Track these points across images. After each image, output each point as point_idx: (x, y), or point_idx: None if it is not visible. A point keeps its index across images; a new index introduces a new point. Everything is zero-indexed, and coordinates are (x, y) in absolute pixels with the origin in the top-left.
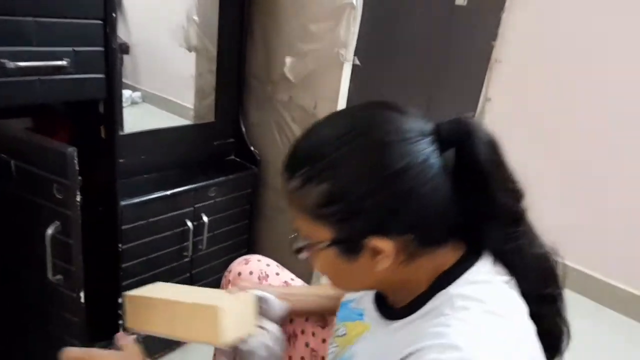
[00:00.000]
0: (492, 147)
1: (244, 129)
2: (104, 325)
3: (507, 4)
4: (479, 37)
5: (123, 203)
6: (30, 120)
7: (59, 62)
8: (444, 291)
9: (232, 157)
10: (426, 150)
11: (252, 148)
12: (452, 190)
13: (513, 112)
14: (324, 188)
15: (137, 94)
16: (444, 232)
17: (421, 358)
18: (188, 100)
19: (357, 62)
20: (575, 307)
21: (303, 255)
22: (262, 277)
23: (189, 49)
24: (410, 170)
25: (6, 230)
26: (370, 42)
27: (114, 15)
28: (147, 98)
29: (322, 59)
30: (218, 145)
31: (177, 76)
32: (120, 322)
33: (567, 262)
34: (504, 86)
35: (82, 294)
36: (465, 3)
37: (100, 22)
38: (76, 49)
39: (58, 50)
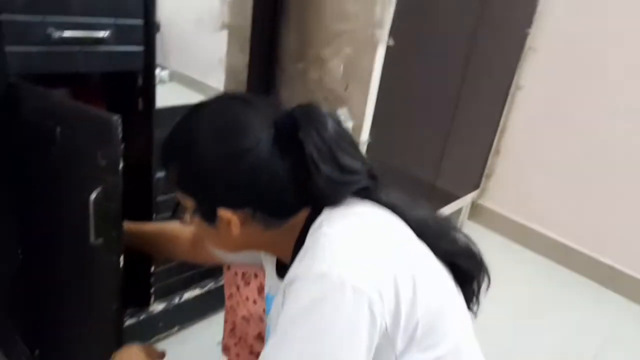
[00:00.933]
0: (325, 131)
1: None
2: (136, 293)
3: None
4: (513, 24)
5: (158, 175)
6: (66, 92)
7: (101, 33)
8: (309, 236)
9: None
10: (261, 139)
11: None
12: (288, 172)
13: (544, 100)
14: (178, 169)
15: (165, 73)
16: (291, 205)
17: (293, 284)
18: (216, 79)
19: (391, 42)
20: None
21: (183, 219)
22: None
23: (221, 27)
24: (245, 156)
25: (49, 194)
26: (404, 22)
27: None
28: (175, 77)
29: (356, 39)
30: None
31: (205, 55)
32: (152, 290)
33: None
34: (536, 74)
35: (121, 259)
36: None
37: None
38: (117, 21)
39: (100, 22)
